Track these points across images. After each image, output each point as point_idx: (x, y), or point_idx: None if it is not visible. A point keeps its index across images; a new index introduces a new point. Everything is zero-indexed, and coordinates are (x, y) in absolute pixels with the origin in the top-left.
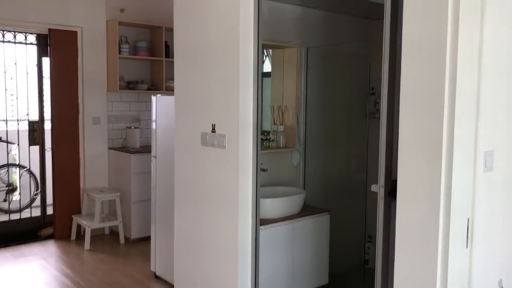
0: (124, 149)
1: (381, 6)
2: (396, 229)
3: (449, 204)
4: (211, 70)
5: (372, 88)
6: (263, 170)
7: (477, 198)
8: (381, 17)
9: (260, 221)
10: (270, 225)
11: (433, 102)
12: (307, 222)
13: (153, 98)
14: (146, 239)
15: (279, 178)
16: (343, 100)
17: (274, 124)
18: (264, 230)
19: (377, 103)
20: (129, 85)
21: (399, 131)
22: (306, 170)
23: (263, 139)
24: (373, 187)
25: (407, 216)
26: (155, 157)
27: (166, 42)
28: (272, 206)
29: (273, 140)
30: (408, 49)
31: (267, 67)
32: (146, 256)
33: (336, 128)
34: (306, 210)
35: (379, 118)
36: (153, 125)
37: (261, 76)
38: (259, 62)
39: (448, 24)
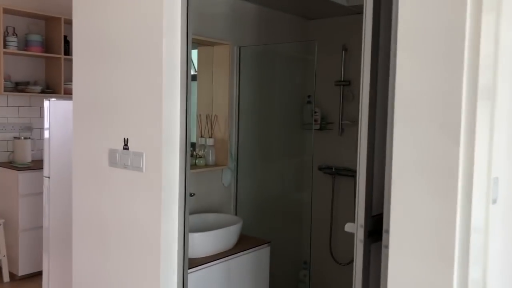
0: (10, 164)
1: (321, 4)
2: None
3: (468, 252)
4: (124, 69)
5: (309, 96)
6: (191, 194)
7: (490, 241)
8: (319, 17)
9: (188, 263)
10: (199, 267)
11: (445, 114)
12: (245, 258)
13: (46, 103)
14: (38, 275)
15: (207, 203)
16: (278, 108)
17: (202, 136)
18: (192, 274)
19: (315, 113)
20: (18, 87)
21: (393, 153)
22: (238, 191)
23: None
24: (348, 227)
25: (404, 270)
26: (48, 177)
27: (65, 37)
28: (203, 242)
29: (200, 157)
30: (405, 40)
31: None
32: None
33: (271, 141)
34: (243, 242)
35: (318, 129)
36: (46, 137)
37: (191, 78)
38: (188, 61)
39: (467, 5)
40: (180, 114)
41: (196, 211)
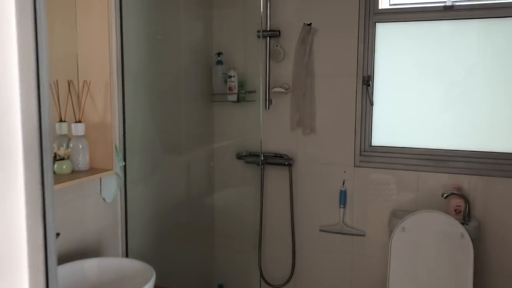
0: None
1: None
2: None
3: None
4: None
5: (219, 54)
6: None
7: None
8: None
9: None
10: None
11: None
12: None
13: None
14: None
15: (78, 239)
16: (179, 73)
17: (62, 121)
18: None
19: (229, 79)
20: None
21: None
22: (129, 208)
23: None
24: None
25: None
26: None
27: None
28: None
29: (61, 158)
30: None
31: None
32: None
33: (172, 123)
34: None
35: (236, 102)
36: None
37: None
38: None
39: None
40: (20, 72)
41: (60, 258)
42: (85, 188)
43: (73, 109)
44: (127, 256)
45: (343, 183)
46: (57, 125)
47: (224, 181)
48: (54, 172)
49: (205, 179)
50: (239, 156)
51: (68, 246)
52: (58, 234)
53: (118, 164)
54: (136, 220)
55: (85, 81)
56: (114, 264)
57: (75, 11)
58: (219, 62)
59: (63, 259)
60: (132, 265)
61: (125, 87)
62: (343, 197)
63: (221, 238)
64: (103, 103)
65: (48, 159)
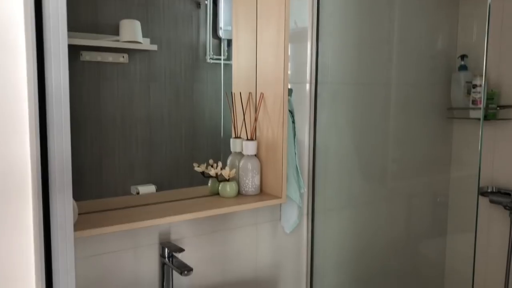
0: None
1: None
2: None
3: None
4: None
5: (463, 57)
6: (186, 273)
7: None
8: None
9: None
10: None
11: None
12: None
13: None
14: None
15: (245, 275)
16: (400, 79)
17: (237, 137)
18: None
19: (474, 88)
20: None
21: None
22: (315, 244)
23: (205, 174)
24: None
25: None
26: None
27: None
28: None
29: (227, 180)
30: None
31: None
32: None
33: (385, 143)
34: None
35: (478, 119)
36: None
37: None
38: None
39: None
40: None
41: None
42: (257, 214)
43: (245, 125)
44: None
45: None
46: (231, 141)
47: (458, 224)
48: (216, 192)
49: (428, 218)
50: (483, 192)
51: (231, 280)
52: (189, 270)
53: (297, 191)
54: (326, 259)
55: (261, 93)
56: None
57: (256, 18)
58: (463, 68)
59: None
60: None
61: (318, 100)
62: None
63: None
64: (277, 120)
65: (62, 195)
